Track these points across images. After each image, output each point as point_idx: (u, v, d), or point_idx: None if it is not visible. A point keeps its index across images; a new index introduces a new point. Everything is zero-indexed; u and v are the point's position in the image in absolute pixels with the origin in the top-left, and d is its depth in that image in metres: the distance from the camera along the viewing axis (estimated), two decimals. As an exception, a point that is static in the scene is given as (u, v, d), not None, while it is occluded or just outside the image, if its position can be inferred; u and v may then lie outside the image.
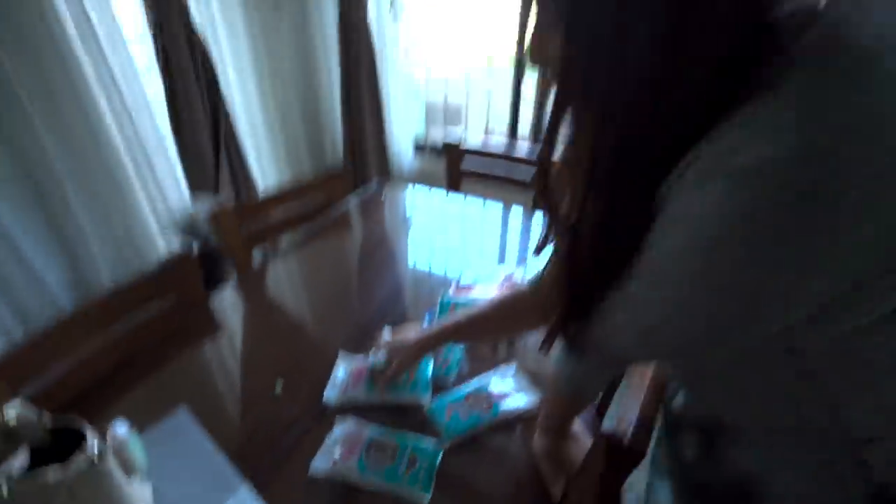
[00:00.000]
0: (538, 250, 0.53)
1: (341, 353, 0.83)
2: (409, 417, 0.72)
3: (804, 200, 0.29)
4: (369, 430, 0.68)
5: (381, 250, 1.24)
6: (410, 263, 1.17)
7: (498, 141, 2.13)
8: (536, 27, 0.40)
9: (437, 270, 1.12)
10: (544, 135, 0.43)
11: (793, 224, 0.30)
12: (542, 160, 0.44)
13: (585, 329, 0.48)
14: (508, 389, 0.75)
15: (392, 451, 0.65)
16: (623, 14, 0.32)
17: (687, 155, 0.33)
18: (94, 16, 1.21)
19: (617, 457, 0.55)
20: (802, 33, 0.30)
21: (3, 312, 1.21)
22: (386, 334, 0.80)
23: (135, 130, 1.36)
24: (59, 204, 1.27)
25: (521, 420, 0.71)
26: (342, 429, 0.69)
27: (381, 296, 1.02)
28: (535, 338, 0.88)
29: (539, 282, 0.63)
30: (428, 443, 0.66)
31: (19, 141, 1.16)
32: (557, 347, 0.57)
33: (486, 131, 2.19)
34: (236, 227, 1.18)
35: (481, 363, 0.81)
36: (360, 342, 0.85)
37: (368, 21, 1.77)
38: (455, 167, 1.61)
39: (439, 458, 0.64)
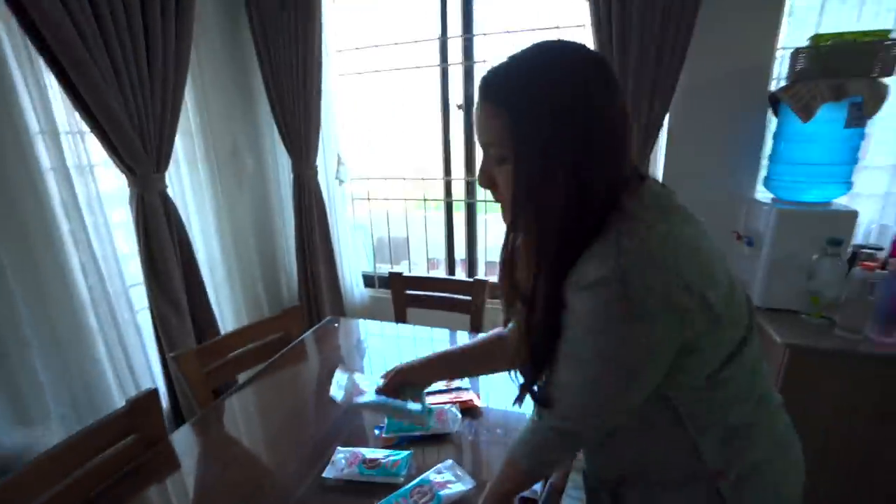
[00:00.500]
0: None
1: (339, 448, 0.98)
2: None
3: (624, 301, 0.51)
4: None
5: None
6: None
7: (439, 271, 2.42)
8: (484, 165, 0.61)
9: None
10: (505, 238, 0.61)
11: (625, 316, 0.52)
12: (504, 258, 0.62)
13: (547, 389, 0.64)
14: (447, 479, 0.87)
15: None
16: (549, 167, 0.54)
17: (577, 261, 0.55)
18: (78, 183, 1.44)
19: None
20: (628, 200, 0.56)
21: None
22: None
23: (103, 287, 1.51)
24: (18, 366, 1.34)
25: (461, 502, 0.82)
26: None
27: (334, 415, 1.14)
28: (468, 432, 1.03)
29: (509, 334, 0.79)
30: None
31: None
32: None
33: (429, 262, 2.49)
34: (197, 367, 1.29)
35: (424, 463, 0.93)
36: (316, 460, 0.96)
37: (318, 184, 2.13)
38: (400, 295, 1.84)
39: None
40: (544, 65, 0.55)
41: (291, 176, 2.13)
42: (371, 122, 2.19)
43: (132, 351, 1.61)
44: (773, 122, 1.55)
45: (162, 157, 1.58)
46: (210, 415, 1.20)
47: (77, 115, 1.38)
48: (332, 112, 2.10)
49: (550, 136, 0.53)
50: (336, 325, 1.66)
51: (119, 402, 1.55)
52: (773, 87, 1.57)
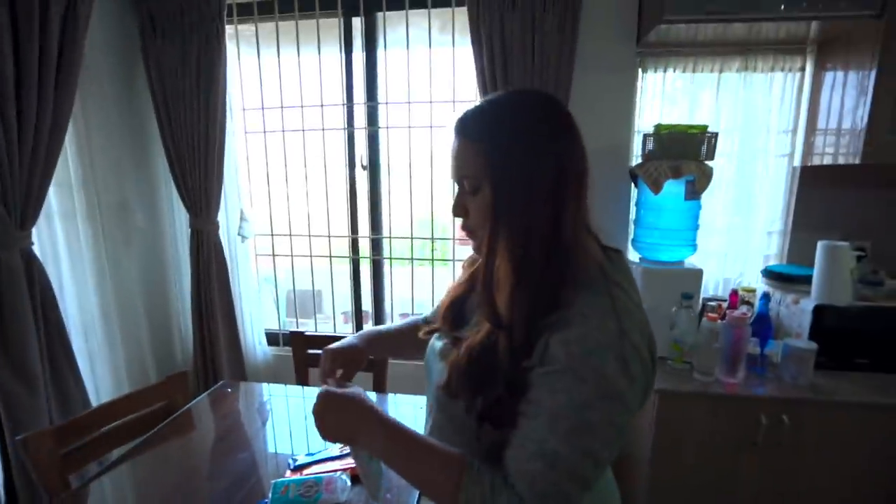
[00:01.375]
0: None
1: None
2: None
3: (623, 366, 0.54)
4: None
5: (223, 445, 1.27)
6: (251, 454, 1.23)
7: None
8: (459, 198, 0.64)
9: (277, 459, 1.20)
10: (484, 265, 0.62)
11: (626, 381, 0.55)
12: (486, 282, 0.62)
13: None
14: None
15: None
16: (525, 191, 0.58)
17: (555, 309, 0.57)
18: None
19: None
20: (605, 258, 0.63)
21: None
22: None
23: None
24: None
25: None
26: None
27: (218, 490, 1.05)
28: (357, 501, 1.01)
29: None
30: None
31: None
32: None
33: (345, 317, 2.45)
34: (51, 450, 1.14)
35: None
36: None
37: (219, 239, 2.05)
38: (302, 354, 1.78)
39: None
40: (516, 104, 0.61)
41: (189, 231, 2.03)
42: (277, 178, 2.18)
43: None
44: (634, 193, 1.82)
45: (29, 212, 1.44)
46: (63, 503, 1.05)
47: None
48: (235, 168, 2.08)
49: (523, 161, 0.57)
50: (229, 389, 1.56)
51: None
52: (634, 162, 1.85)
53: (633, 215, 1.83)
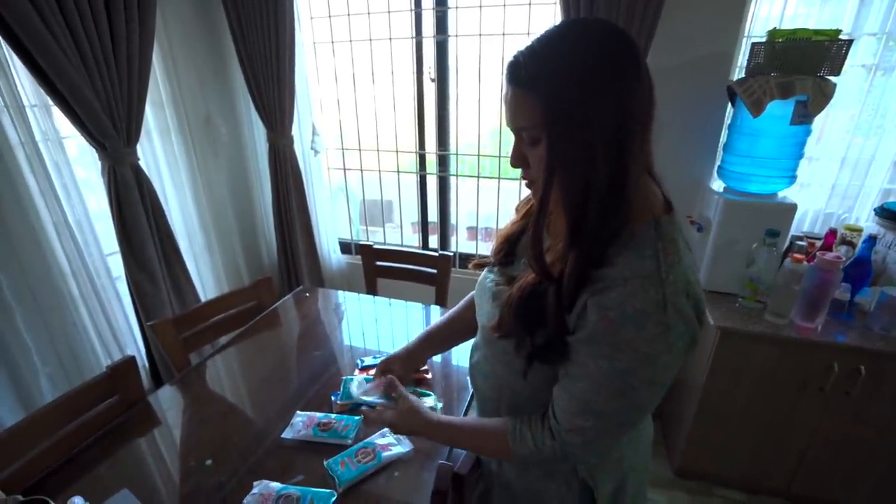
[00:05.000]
0: None
1: (298, 412, 1.10)
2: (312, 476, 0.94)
3: (663, 333, 0.53)
4: (278, 487, 0.89)
5: (303, 341, 1.48)
6: (327, 351, 1.42)
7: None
8: (516, 148, 0.60)
9: (351, 356, 1.37)
10: (535, 214, 0.59)
11: (663, 348, 0.54)
12: (535, 237, 0.59)
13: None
14: (388, 442, 0.99)
15: (296, 500, 0.87)
16: (583, 144, 0.53)
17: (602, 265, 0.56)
18: (47, 156, 1.48)
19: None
20: (662, 214, 0.58)
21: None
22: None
23: (79, 254, 1.58)
24: (6, 327, 1.44)
25: (399, 463, 0.95)
26: (259, 488, 0.89)
27: (300, 379, 1.25)
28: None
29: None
30: (324, 493, 0.88)
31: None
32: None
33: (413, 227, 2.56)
34: (174, 334, 1.39)
35: (370, 429, 1.05)
36: (277, 422, 1.08)
37: (294, 152, 2.15)
38: (371, 265, 1.93)
39: (333, 499, 0.86)
40: (572, 43, 0.53)
41: (267, 145, 2.15)
42: (346, 92, 2.18)
43: (113, 316, 1.70)
44: (730, 113, 1.60)
45: (132, 130, 1.60)
46: (187, 377, 1.31)
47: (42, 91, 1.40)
48: (306, 81, 2.09)
49: (583, 113, 0.52)
50: (307, 294, 1.75)
51: (104, 362, 1.67)
52: (736, 75, 1.60)
53: (723, 139, 1.63)
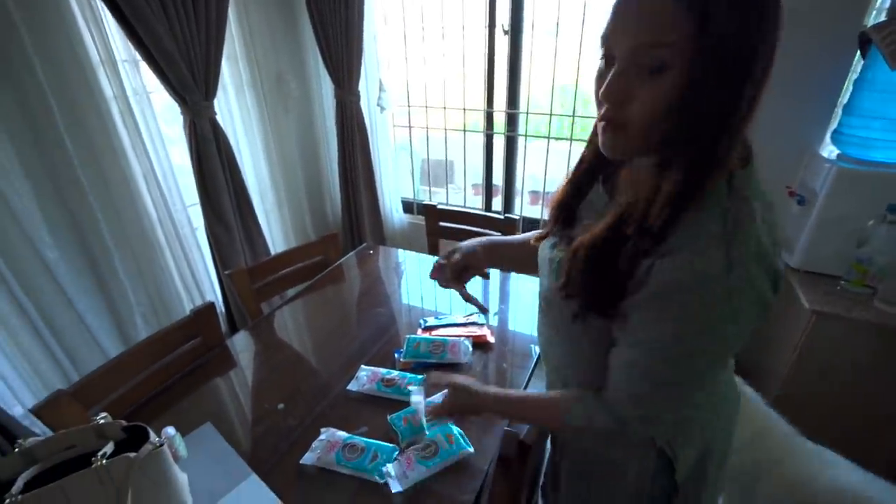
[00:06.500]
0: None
1: (363, 366, 1.13)
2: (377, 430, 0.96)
3: (726, 300, 0.48)
4: (345, 436, 0.93)
5: (366, 298, 1.51)
6: (389, 309, 1.44)
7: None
8: (625, 74, 0.48)
9: (410, 316, 1.38)
10: (654, 177, 0.51)
11: (725, 314, 0.49)
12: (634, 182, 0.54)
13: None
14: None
15: (360, 450, 0.90)
16: (736, 98, 0.45)
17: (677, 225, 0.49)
18: (136, 110, 1.57)
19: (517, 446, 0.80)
20: (740, 170, 0.50)
21: (60, 356, 1.49)
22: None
23: (165, 204, 1.69)
24: (106, 269, 1.58)
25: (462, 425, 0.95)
26: (326, 435, 0.93)
27: (364, 335, 1.28)
28: (478, 364, 1.13)
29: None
30: (388, 446, 0.91)
31: (75, 206, 1.48)
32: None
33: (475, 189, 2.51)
34: (248, 284, 1.47)
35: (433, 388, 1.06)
36: (343, 374, 1.11)
37: (360, 109, 2.14)
38: (434, 225, 1.91)
39: (395, 454, 0.88)
40: None
41: (334, 102, 2.15)
42: (414, 48, 2.11)
43: (194, 263, 1.83)
44: (857, 66, 1.36)
45: (210, 84, 1.65)
46: (259, 325, 1.38)
47: (131, 46, 1.45)
48: (374, 36, 2.04)
49: (746, 40, 0.43)
50: (371, 252, 1.78)
51: (187, 304, 1.81)
52: (870, 21, 1.35)
53: (844, 98, 1.40)
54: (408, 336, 1.21)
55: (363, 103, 2.15)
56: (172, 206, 1.73)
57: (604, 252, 0.55)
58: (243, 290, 1.46)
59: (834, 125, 1.41)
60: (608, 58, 0.50)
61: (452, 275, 0.88)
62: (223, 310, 1.97)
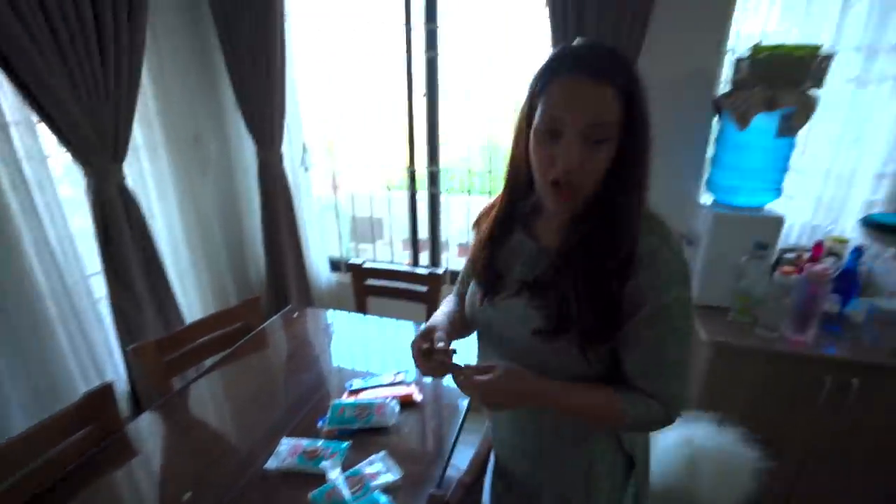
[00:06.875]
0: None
1: (284, 438, 1.06)
2: (296, 504, 0.90)
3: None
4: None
5: (291, 363, 1.44)
6: (316, 373, 1.38)
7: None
8: (582, 147, 0.59)
9: (341, 377, 1.34)
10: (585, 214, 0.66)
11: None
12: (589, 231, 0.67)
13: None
14: (377, 469, 0.96)
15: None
16: (649, 143, 0.62)
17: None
18: (29, 173, 1.45)
19: None
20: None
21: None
22: None
23: (59, 274, 1.54)
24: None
25: (388, 491, 0.92)
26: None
27: (288, 403, 1.21)
28: (405, 425, 1.11)
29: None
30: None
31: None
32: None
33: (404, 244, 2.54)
34: (156, 358, 1.35)
35: (364, 451, 1.02)
36: (262, 450, 1.04)
37: (284, 170, 2.14)
38: (360, 285, 1.90)
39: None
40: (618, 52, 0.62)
41: (257, 162, 2.13)
42: (336, 110, 2.18)
43: (93, 339, 1.65)
44: (717, 127, 1.61)
45: (119, 146, 1.58)
46: (169, 403, 1.26)
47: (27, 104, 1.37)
48: (296, 99, 2.09)
49: (647, 113, 0.61)
50: (296, 314, 1.72)
51: (82, 387, 1.61)
52: (721, 90, 1.62)
53: (710, 153, 1.64)
54: (333, 401, 1.16)
55: (286, 163, 2.15)
56: (69, 275, 1.58)
57: (598, 284, 0.65)
58: (150, 366, 1.34)
59: (706, 176, 1.63)
60: (553, 131, 0.60)
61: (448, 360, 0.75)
62: (129, 389, 1.78)
